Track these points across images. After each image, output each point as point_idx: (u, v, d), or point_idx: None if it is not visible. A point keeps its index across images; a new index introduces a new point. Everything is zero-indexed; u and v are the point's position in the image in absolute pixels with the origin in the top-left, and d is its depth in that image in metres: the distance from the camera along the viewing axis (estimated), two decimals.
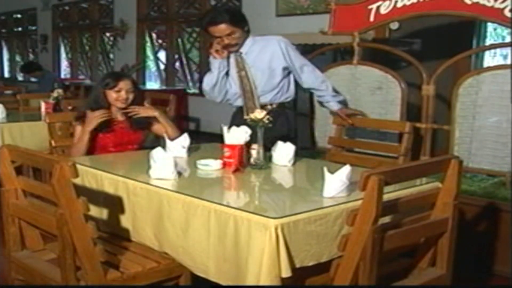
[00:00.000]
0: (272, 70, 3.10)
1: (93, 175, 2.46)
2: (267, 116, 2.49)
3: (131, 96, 3.04)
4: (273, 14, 6.79)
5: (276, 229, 1.78)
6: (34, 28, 11.63)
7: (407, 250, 2.19)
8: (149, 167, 2.33)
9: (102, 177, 2.43)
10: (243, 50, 3.10)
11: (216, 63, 3.10)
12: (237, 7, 7.38)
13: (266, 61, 3.10)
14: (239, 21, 3.05)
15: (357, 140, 3.33)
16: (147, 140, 3.20)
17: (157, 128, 3.10)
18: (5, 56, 13.05)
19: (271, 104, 3.09)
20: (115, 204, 2.34)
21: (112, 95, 3.02)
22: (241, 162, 2.51)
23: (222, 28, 2.99)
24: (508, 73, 3.20)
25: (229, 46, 3.05)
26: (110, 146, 3.06)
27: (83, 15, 10.52)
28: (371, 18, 3.73)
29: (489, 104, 3.32)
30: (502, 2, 3.18)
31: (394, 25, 4.99)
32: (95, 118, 2.97)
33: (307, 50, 6.01)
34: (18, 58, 12.53)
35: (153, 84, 9.21)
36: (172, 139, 2.82)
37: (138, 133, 3.14)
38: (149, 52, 9.29)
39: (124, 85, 3.03)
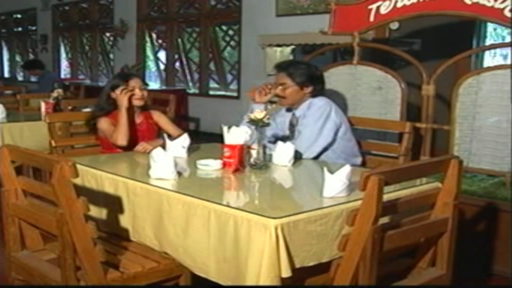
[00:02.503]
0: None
1: (93, 175, 2.46)
2: (267, 116, 2.50)
3: (145, 93, 3.08)
4: (273, 14, 6.79)
5: (276, 229, 1.78)
6: (34, 28, 11.63)
7: (407, 250, 2.19)
8: (149, 167, 2.33)
9: (102, 177, 2.43)
10: (298, 112, 3.01)
11: (251, 107, 3.06)
12: (237, 7, 7.40)
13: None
14: (300, 79, 2.97)
15: (357, 140, 3.33)
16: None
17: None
18: (5, 56, 13.05)
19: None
20: (115, 204, 2.34)
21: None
22: (241, 162, 2.51)
23: (279, 76, 3.00)
24: (508, 73, 3.21)
25: (279, 96, 3.03)
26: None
27: (83, 15, 10.52)
28: (371, 18, 3.73)
29: (489, 104, 3.32)
30: (502, 2, 3.18)
31: (394, 25, 5.00)
32: (124, 95, 2.97)
33: (307, 50, 6.04)
34: (18, 58, 12.53)
35: (153, 84, 9.21)
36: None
37: (155, 135, 3.14)
38: (149, 52, 9.29)
39: (135, 83, 3.05)
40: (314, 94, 3.02)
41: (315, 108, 2.96)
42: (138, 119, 3.11)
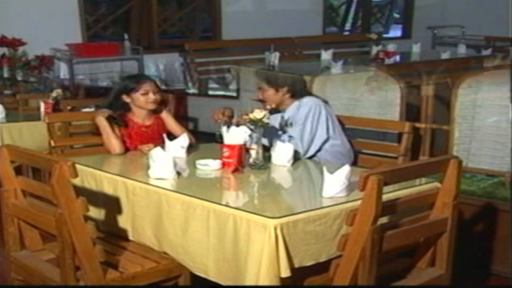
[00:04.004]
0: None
1: (93, 175, 2.46)
2: (267, 115, 2.50)
3: (158, 96, 2.95)
4: None
5: (275, 229, 1.78)
6: None
7: (407, 250, 2.19)
8: (148, 167, 2.33)
9: (101, 177, 2.43)
10: (287, 115, 3.05)
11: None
12: None
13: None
14: (273, 82, 3.09)
15: (357, 140, 3.33)
16: None
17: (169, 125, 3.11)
18: None
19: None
20: (114, 204, 2.34)
21: (140, 99, 2.90)
22: (240, 162, 2.51)
23: (258, 82, 3.14)
24: (508, 73, 3.20)
25: (260, 100, 3.13)
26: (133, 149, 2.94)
27: None
28: None
29: (488, 104, 3.32)
30: None
31: None
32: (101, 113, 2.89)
33: None
34: None
35: None
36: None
37: (161, 137, 2.98)
38: None
39: (149, 86, 2.92)
40: (299, 95, 3.07)
41: (305, 109, 3.00)
42: (148, 121, 3.00)
